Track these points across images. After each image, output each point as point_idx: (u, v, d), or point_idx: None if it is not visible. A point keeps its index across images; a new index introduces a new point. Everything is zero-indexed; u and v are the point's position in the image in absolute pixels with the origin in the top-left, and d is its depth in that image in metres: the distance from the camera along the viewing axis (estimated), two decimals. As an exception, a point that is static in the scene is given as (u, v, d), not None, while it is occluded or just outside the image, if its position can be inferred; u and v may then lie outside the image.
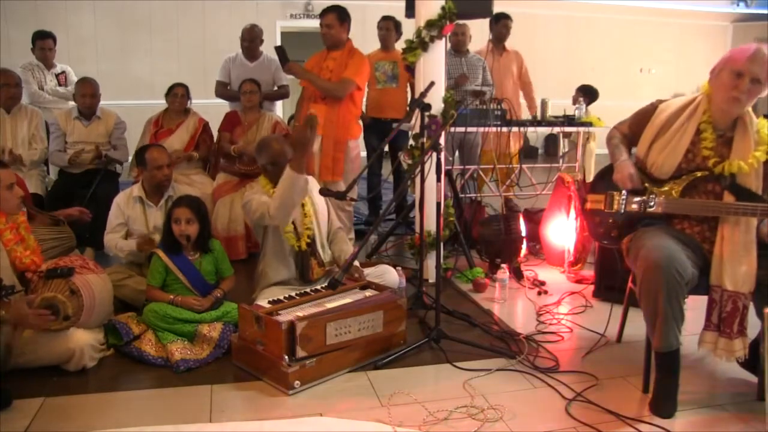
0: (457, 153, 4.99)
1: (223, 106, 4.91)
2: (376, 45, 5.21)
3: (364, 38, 5.17)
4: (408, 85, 5.04)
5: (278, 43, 4.77)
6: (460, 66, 5.05)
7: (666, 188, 2.38)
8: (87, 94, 4.20)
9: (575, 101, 5.33)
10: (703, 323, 2.29)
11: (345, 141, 4.10)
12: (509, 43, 5.60)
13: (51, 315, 2.34)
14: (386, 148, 4.71)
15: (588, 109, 5.76)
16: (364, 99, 5.07)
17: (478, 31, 5.24)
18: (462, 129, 4.32)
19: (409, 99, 5.11)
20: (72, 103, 4.56)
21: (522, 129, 4.71)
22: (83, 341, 2.49)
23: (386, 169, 5.48)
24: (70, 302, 2.40)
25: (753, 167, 2.25)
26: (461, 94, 4.81)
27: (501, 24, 5.41)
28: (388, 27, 5.09)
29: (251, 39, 4.87)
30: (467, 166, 4.69)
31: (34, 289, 2.42)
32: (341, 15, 4.07)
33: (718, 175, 2.30)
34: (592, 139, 5.66)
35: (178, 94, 4.33)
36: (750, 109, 2.30)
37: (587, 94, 5.98)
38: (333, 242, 3.21)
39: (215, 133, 4.54)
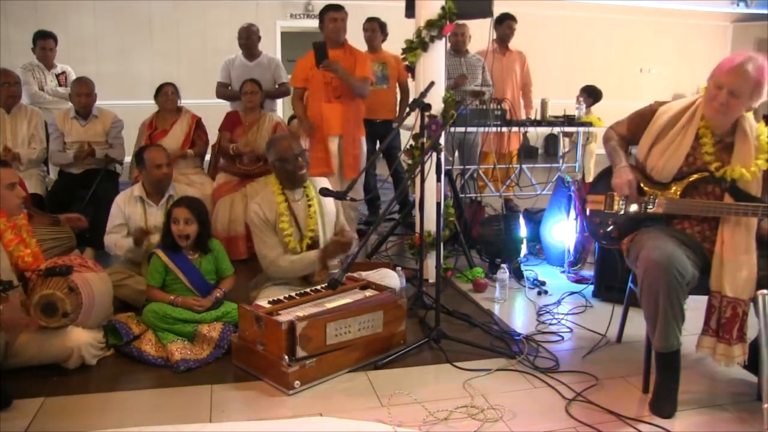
0: (456, 153, 4.99)
1: (223, 106, 4.91)
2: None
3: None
4: (397, 85, 5.07)
5: (278, 43, 4.77)
6: (460, 66, 5.05)
7: (666, 189, 2.38)
8: (82, 93, 4.21)
9: (579, 101, 5.35)
10: (701, 328, 2.28)
11: (360, 138, 4.17)
12: (512, 43, 5.61)
13: (48, 314, 2.34)
14: (377, 148, 4.76)
15: (591, 109, 5.80)
16: None
17: (479, 31, 5.24)
18: (461, 129, 4.32)
19: (398, 99, 5.14)
20: (71, 103, 4.56)
21: (522, 129, 4.72)
22: (82, 339, 2.48)
23: (380, 169, 5.49)
24: (69, 299, 2.40)
25: (755, 175, 2.24)
26: (461, 94, 4.82)
27: (505, 25, 5.43)
28: (374, 28, 5.09)
29: (248, 36, 4.89)
30: (467, 166, 4.69)
31: (33, 287, 2.42)
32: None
33: (718, 177, 2.29)
34: (593, 140, 5.68)
35: (168, 92, 4.31)
36: (751, 114, 2.28)
37: (591, 94, 6.05)
38: None
39: (210, 131, 4.53)
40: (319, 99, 4.03)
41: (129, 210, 3.28)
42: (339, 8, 4.03)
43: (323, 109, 4.02)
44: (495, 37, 5.39)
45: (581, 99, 5.42)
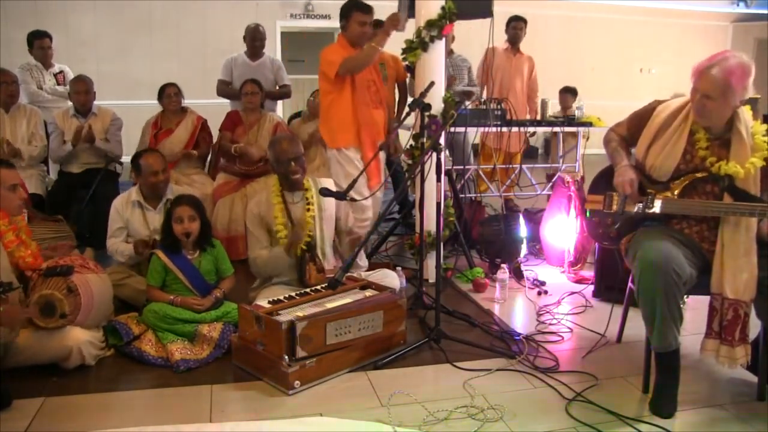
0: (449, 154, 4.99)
1: (223, 106, 4.90)
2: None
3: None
4: (395, 85, 5.06)
5: (278, 43, 4.76)
6: (446, 68, 5.06)
7: (665, 189, 2.38)
8: (80, 91, 4.24)
9: (567, 103, 5.42)
10: (705, 331, 2.28)
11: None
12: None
13: (46, 314, 2.35)
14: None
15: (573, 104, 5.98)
16: None
17: (479, 32, 5.25)
18: (460, 129, 4.32)
19: (396, 99, 5.14)
20: (70, 102, 4.57)
21: (523, 130, 4.72)
22: (80, 339, 2.48)
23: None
24: (68, 300, 2.40)
25: (750, 173, 2.23)
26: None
27: (510, 26, 5.54)
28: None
29: (254, 36, 4.90)
30: (466, 167, 4.68)
31: (33, 287, 2.42)
32: None
33: (716, 176, 2.29)
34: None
35: (171, 93, 4.32)
36: (744, 111, 2.28)
37: (568, 91, 6.34)
38: (342, 241, 3.23)
39: (214, 132, 4.54)
40: (368, 104, 3.64)
41: (127, 214, 3.25)
42: (371, 12, 3.60)
43: (374, 116, 3.67)
44: (507, 37, 5.54)
45: (567, 99, 5.53)
